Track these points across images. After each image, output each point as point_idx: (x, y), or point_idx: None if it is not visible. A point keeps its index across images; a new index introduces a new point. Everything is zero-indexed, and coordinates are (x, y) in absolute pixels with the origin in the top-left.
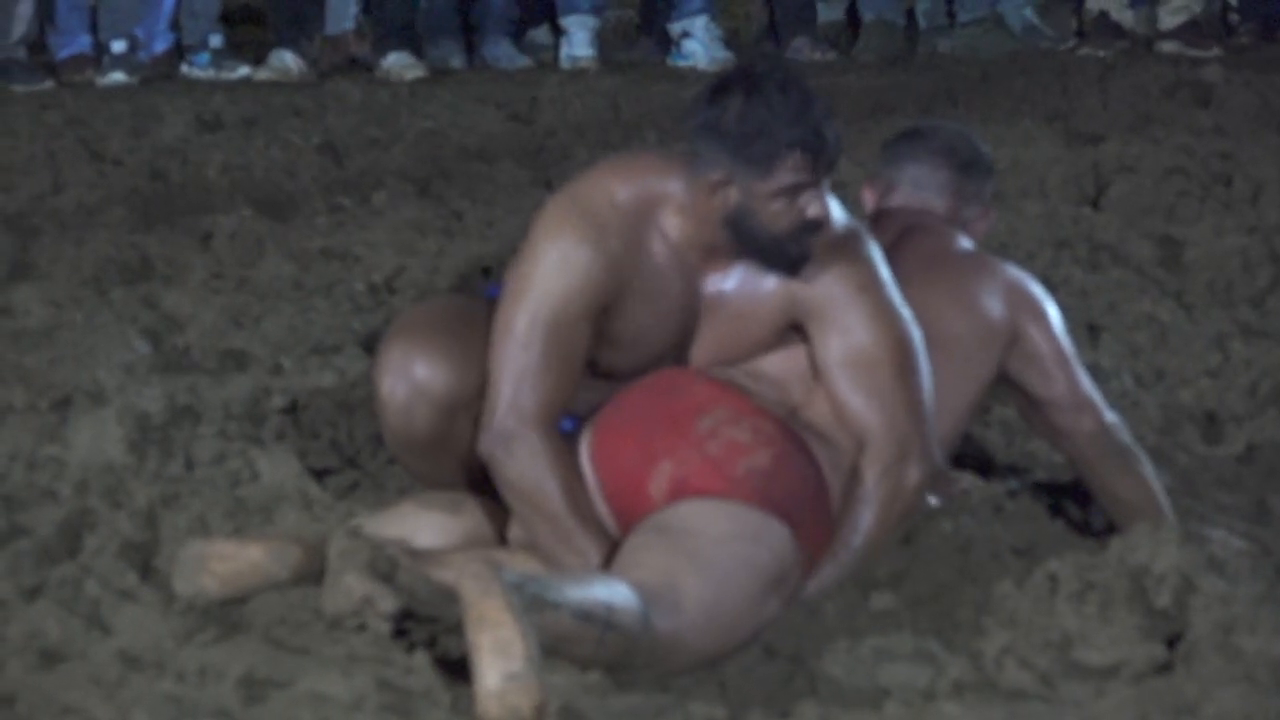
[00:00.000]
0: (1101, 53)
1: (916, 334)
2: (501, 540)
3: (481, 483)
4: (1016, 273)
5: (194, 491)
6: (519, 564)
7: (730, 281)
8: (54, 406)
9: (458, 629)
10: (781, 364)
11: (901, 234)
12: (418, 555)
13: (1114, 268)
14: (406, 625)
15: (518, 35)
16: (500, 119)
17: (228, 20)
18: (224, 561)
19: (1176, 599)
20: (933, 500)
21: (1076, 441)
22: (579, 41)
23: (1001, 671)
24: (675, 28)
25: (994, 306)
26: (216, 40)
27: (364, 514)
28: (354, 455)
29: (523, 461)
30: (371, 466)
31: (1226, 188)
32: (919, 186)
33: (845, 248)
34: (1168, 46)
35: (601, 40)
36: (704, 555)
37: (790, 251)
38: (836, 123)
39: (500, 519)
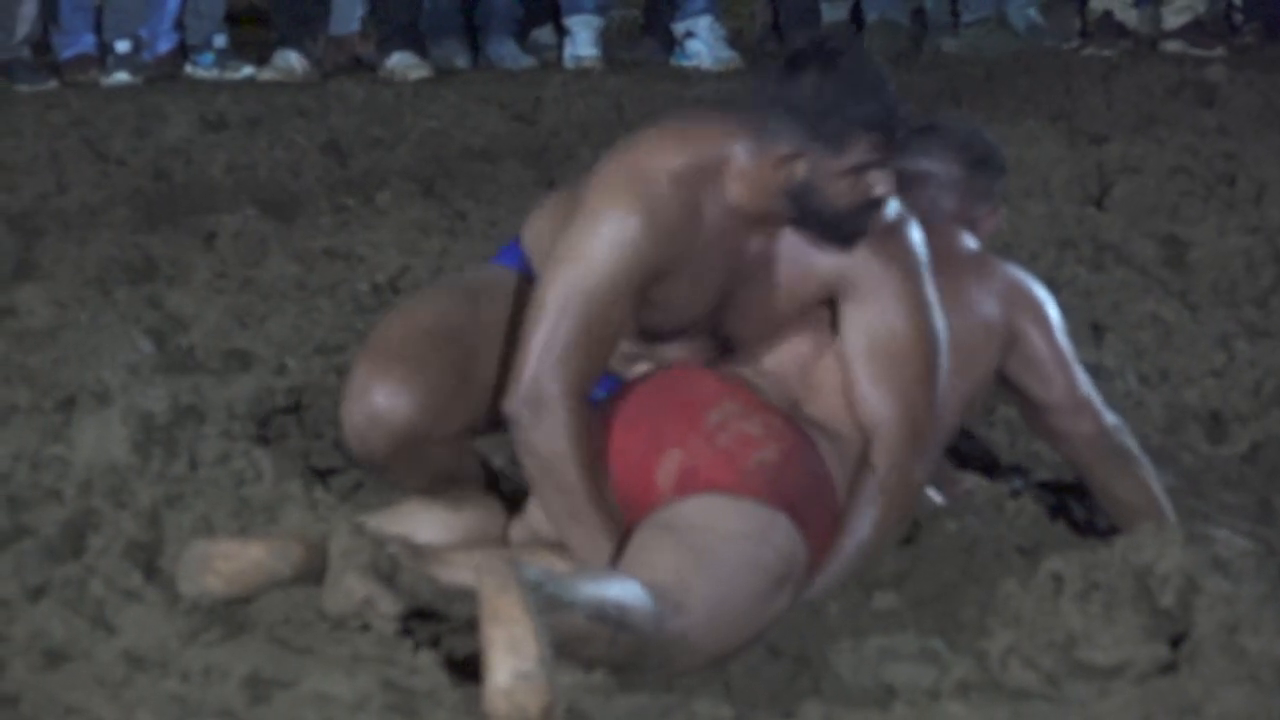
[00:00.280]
0: (1105, 52)
1: (945, 331)
2: (504, 539)
3: (448, 488)
4: (1018, 274)
5: (198, 491)
6: (537, 561)
7: (776, 249)
8: (58, 406)
9: (462, 629)
10: (783, 359)
11: None
12: (420, 552)
13: (1118, 268)
14: (410, 625)
15: (522, 35)
16: (504, 119)
17: (232, 20)
18: (227, 561)
19: (1181, 599)
20: (938, 499)
21: (1075, 444)
22: (583, 41)
23: (1006, 671)
24: (679, 28)
25: (993, 307)
26: (221, 40)
27: (368, 513)
28: None
29: (547, 430)
30: None
31: (1230, 187)
32: (928, 182)
33: (896, 233)
34: (1172, 46)
35: (605, 40)
36: (712, 555)
37: (848, 228)
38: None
39: (503, 518)
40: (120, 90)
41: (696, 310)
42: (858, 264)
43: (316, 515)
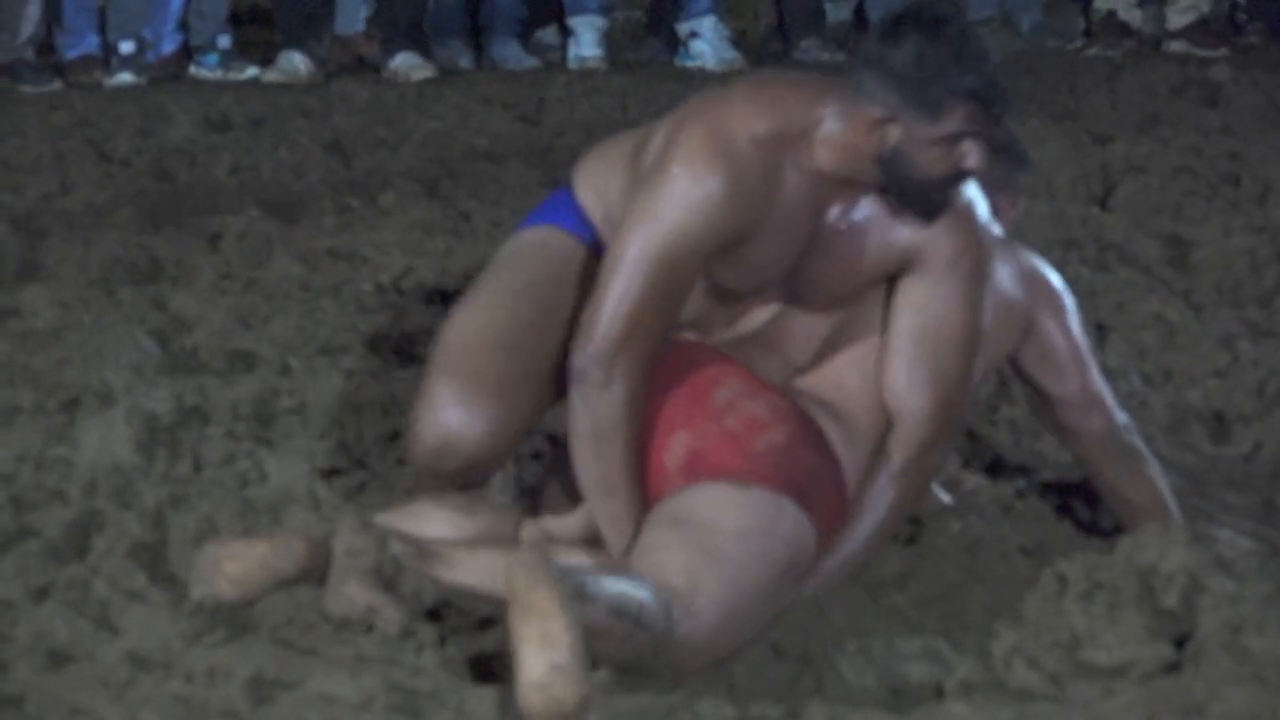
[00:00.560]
0: (1109, 52)
1: (987, 324)
2: (515, 539)
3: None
4: (1040, 264)
5: (202, 492)
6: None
7: (857, 215)
8: (62, 407)
9: (467, 630)
10: (782, 327)
11: None
12: (426, 550)
13: (1122, 268)
14: (415, 626)
15: (525, 36)
16: (508, 119)
17: (236, 21)
18: (235, 561)
19: (1184, 599)
20: (944, 498)
21: (1085, 441)
22: (587, 42)
23: (1010, 671)
24: (683, 28)
25: (1015, 289)
26: (224, 41)
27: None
28: (362, 456)
29: (612, 396)
30: (380, 467)
31: (1234, 187)
32: None
33: (971, 215)
34: (1176, 46)
35: (609, 41)
36: (722, 554)
37: (934, 199)
38: None
39: (515, 518)
40: (124, 91)
41: (776, 272)
42: (932, 241)
43: (320, 516)
